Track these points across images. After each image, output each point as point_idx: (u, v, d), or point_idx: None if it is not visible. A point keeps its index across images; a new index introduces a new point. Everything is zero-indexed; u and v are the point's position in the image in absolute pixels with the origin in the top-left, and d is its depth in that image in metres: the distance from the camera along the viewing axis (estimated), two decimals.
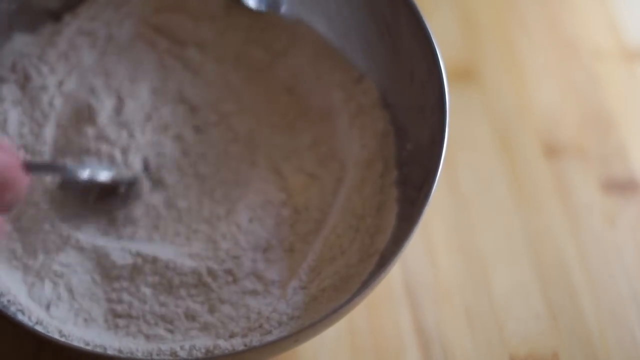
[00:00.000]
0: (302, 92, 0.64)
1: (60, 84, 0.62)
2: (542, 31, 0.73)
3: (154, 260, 0.58)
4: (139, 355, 0.54)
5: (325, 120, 0.63)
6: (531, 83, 0.71)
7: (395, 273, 0.62)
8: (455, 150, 0.67)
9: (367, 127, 0.62)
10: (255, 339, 0.55)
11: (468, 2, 0.74)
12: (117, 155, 0.61)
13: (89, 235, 0.58)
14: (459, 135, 0.68)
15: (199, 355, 0.54)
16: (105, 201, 0.59)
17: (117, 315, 0.56)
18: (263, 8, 0.65)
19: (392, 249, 0.55)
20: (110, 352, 0.54)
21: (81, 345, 0.54)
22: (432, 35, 0.59)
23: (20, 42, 0.63)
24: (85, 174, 0.58)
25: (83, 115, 0.62)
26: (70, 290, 0.57)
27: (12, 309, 0.55)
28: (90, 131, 0.61)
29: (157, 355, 0.54)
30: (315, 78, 0.64)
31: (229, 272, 0.58)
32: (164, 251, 0.58)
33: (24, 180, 0.50)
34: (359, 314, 0.61)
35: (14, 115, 0.61)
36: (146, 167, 0.61)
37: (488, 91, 0.70)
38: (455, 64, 0.71)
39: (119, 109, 0.62)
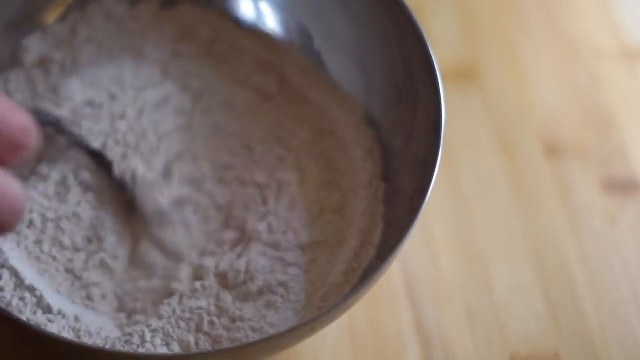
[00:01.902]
0: (285, 102, 0.64)
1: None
2: (543, 31, 0.73)
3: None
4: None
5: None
6: (531, 83, 0.71)
7: (395, 273, 0.62)
8: (455, 150, 0.67)
9: (352, 142, 0.62)
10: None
11: (468, 2, 0.74)
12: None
13: None
14: (459, 136, 0.68)
15: (210, 348, 0.54)
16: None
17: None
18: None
19: (393, 239, 0.55)
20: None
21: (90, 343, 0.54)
22: (433, 56, 0.58)
23: None
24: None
25: None
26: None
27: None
28: None
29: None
30: (302, 96, 0.64)
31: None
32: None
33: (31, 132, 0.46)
34: (360, 313, 0.61)
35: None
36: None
37: (488, 91, 0.70)
38: (455, 64, 0.71)
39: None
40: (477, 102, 0.70)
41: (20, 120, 0.44)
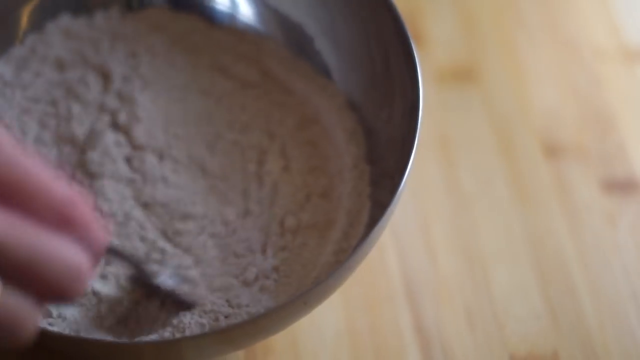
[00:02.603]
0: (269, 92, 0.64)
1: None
2: (543, 31, 0.73)
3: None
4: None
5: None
6: (531, 83, 0.71)
7: (395, 273, 0.62)
8: (455, 150, 0.67)
9: (335, 127, 0.62)
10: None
11: (468, 2, 0.74)
12: None
13: None
14: (459, 135, 0.68)
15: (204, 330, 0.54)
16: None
17: None
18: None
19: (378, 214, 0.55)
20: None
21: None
22: (412, 43, 0.58)
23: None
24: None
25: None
26: None
27: None
28: None
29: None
30: (284, 86, 0.64)
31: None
32: None
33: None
34: (359, 313, 0.61)
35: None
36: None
37: (488, 91, 0.70)
38: (455, 64, 0.71)
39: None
40: (477, 102, 0.70)
41: (65, 191, 0.41)
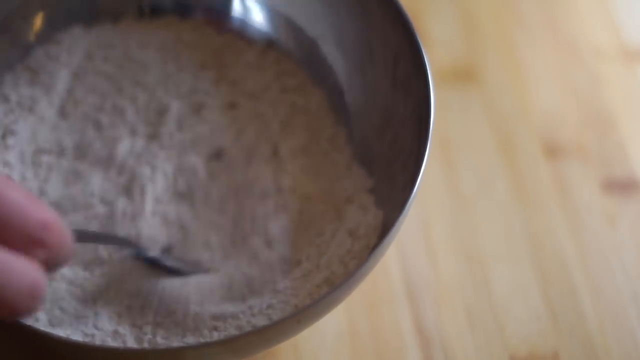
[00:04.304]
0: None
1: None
2: (542, 31, 0.73)
3: None
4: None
5: None
6: (531, 83, 0.71)
7: (395, 273, 0.62)
8: (455, 150, 0.67)
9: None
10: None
11: (468, 2, 0.74)
12: None
13: None
14: (459, 136, 0.68)
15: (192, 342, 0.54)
16: None
17: None
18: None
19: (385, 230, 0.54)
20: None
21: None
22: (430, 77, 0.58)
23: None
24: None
25: None
26: None
27: None
28: None
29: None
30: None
31: None
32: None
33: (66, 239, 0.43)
34: (360, 315, 0.61)
35: None
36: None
37: (488, 91, 0.70)
38: (455, 64, 0.71)
39: None
40: (477, 102, 0.70)
41: (41, 215, 0.41)
